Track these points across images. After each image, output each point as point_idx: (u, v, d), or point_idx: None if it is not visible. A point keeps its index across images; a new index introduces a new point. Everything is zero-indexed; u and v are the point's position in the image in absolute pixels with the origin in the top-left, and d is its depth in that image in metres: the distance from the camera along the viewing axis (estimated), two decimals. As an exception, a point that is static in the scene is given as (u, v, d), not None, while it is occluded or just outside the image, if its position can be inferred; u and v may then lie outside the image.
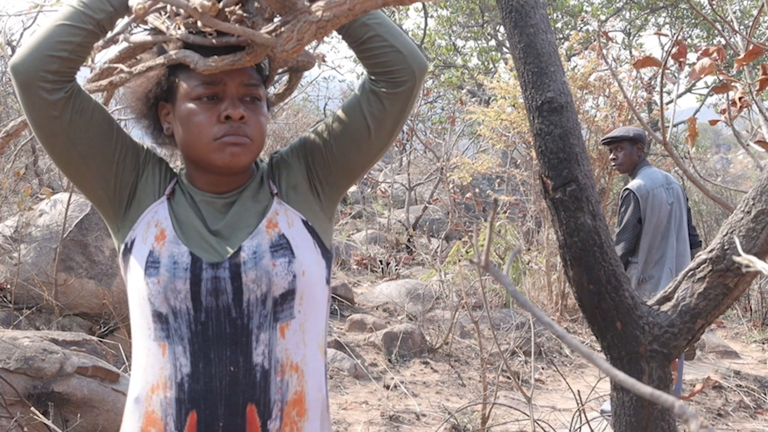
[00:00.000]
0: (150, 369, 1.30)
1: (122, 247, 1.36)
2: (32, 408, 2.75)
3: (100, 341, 3.84)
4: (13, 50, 9.32)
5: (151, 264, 1.29)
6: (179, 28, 1.22)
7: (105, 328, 4.63)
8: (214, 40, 1.22)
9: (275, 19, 1.22)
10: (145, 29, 1.34)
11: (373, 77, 1.35)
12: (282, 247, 1.32)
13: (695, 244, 4.44)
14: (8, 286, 4.57)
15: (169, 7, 1.23)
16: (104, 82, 1.35)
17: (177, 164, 1.48)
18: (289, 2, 1.15)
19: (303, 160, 1.42)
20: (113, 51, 1.34)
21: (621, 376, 0.47)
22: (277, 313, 1.31)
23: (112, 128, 1.32)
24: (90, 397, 3.00)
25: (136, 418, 1.32)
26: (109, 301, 4.60)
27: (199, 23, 1.18)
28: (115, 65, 1.31)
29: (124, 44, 1.33)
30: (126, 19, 1.26)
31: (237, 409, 1.27)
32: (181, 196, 1.37)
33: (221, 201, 1.36)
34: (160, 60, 1.28)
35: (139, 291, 1.31)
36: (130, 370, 3.93)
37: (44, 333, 3.36)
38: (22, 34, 9.49)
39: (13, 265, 4.54)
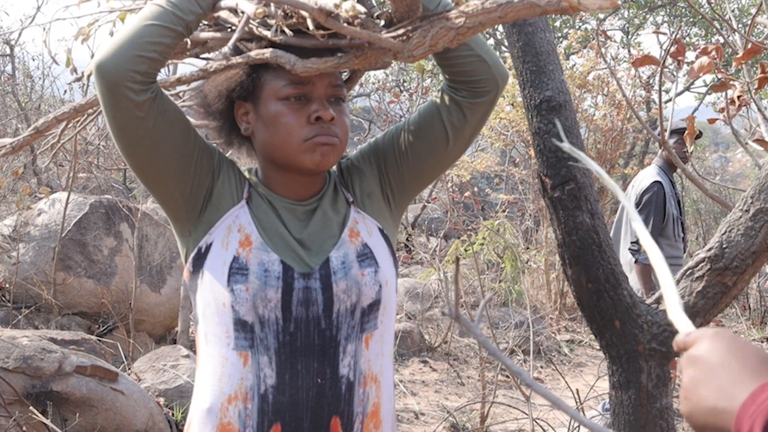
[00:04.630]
0: (227, 379, 1.26)
1: (195, 251, 1.31)
2: (31, 407, 2.75)
3: (99, 340, 3.84)
4: (11, 49, 9.30)
5: (237, 270, 1.26)
6: (281, 30, 1.18)
7: (104, 328, 4.63)
8: (330, 42, 1.19)
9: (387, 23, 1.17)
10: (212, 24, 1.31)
11: (453, 85, 1.33)
12: (367, 256, 1.31)
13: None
14: (7, 286, 4.57)
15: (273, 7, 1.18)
16: (172, 78, 1.32)
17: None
18: (415, 6, 1.12)
19: (375, 166, 1.40)
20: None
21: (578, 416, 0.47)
22: (363, 324, 1.30)
23: (191, 129, 1.29)
24: (89, 396, 3.00)
25: (208, 430, 1.28)
26: (108, 301, 4.59)
27: (310, 25, 1.14)
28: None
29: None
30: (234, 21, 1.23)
31: (322, 421, 1.25)
32: (259, 201, 1.34)
33: (302, 209, 1.34)
34: (242, 59, 1.25)
35: (219, 298, 1.27)
36: (129, 369, 3.93)
37: (43, 332, 3.36)
38: (20, 33, 9.49)
39: (12, 265, 4.54)
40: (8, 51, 9.32)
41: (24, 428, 2.75)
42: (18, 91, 9.40)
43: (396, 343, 5.42)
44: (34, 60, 16.80)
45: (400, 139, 1.38)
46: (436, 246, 9.11)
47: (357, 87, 14.57)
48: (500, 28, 13.55)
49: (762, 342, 7.06)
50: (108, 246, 4.83)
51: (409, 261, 9.07)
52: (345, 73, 1.40)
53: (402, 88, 12.64)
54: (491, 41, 14.05)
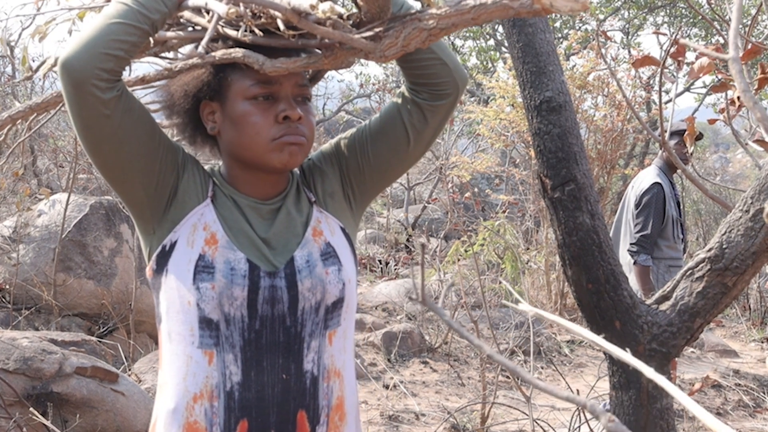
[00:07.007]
0: (192, 378, 1.27)
1: (159, 249, 1.31)
2: (31, 408, 2.75)
3: (99, 341, 3.84)
4: (12, 50, 9.30)
5: (203, 269, 1.26)
6: (250, 30, 1.18)
7: (104, 329, 4.63)
8: (300, 42, 1.19)
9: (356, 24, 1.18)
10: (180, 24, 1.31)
11: (414, 88, 1.35)
12: (330, 255, 1.34)
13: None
14: (7, 287, 4.57)
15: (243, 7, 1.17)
16: (136, 77, 1.33)
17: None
18: (386, 7, 1.12)
19: (336, 166, 1.42)
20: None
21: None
22: (327, 321, 1.32)
23: (156, 127, 1.29)
24: (89, 397, 3.00)
25: (174, 429, 1.28)
26: (108, 302, 4.59)
27: (280, 25, 1.14)
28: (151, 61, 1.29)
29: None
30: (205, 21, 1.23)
31: (288, 416, 1.28)
32: (224, 199, 1.34)
33: (266, 208, 1.35)
34: (209, 58, 1.24)
35: (184, 296, 1.27)
36: (129, 370, 3.93)
37: (43, 333, 3.36)
38: (20, 35, 9.50)
39: (12, 266, 4.54)
40: (8, 52, 9.32)
41: (24, 429, 2.75)
42: (18, 92, 9.40)
43: (396, 344, 5.42)
44: (34, 61, 16.81)
45: (362, 140, 1.40)
46: (437, 247, 9.11)
47: (357, 87, 14.59)
48: (500, 28, 13.56)
49: (762, 342, 7.05)
50: (108, 247, 4.83)
51: (409, 262, 9.07)
52: (308, 72, 1.41)
53: (402, 89, 12.62)
54: (491, 42, 14.08)
